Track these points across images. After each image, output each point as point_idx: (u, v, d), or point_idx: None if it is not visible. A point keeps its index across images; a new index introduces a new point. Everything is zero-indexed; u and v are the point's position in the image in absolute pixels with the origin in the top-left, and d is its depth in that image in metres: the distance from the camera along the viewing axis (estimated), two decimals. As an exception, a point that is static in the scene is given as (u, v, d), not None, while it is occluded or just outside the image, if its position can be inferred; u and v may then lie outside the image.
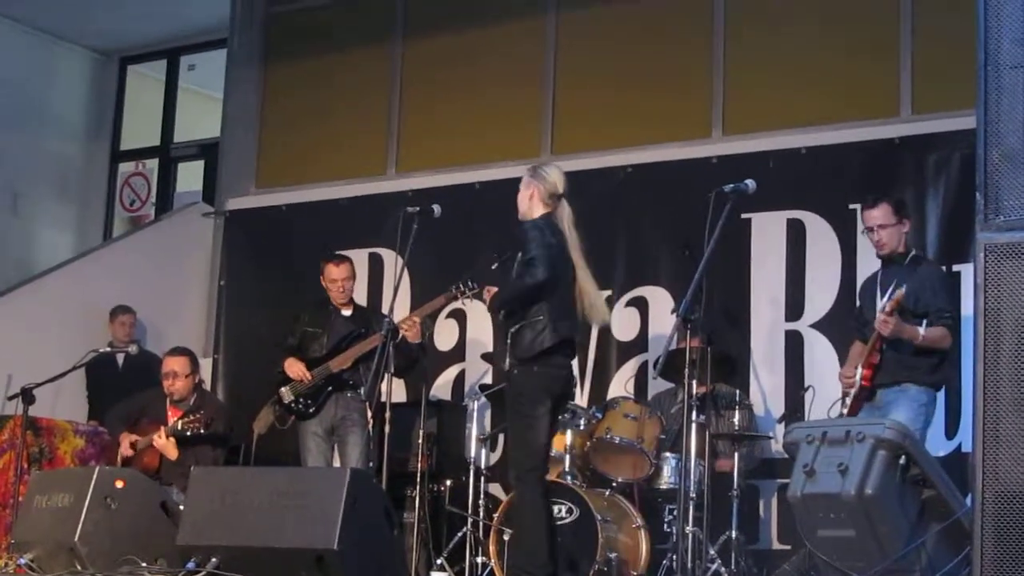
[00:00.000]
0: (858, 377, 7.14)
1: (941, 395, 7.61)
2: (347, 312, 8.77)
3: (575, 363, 7.25)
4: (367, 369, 8.38)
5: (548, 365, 6.75)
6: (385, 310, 8.07)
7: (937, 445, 8.06)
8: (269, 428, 8.73)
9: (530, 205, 6.97)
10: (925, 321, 6.98)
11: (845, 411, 7.19)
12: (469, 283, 8.30)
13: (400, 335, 8.08)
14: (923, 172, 8.82)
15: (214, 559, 5.99)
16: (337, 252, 9.06)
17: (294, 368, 8.55)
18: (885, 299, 7.12)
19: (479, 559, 8.33)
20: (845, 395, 7.25)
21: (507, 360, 6.85)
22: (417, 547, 8.17)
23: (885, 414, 6.94)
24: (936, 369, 7.14)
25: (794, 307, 9.13)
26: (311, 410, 8.51)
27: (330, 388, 8.52)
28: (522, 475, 6.78)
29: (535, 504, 6.71)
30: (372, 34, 11.50)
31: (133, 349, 9.76)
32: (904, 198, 7.62)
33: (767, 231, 9.24)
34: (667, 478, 8.24)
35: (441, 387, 10.17)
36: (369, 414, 8.08)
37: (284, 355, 8.65)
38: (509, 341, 6.84)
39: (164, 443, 8.36)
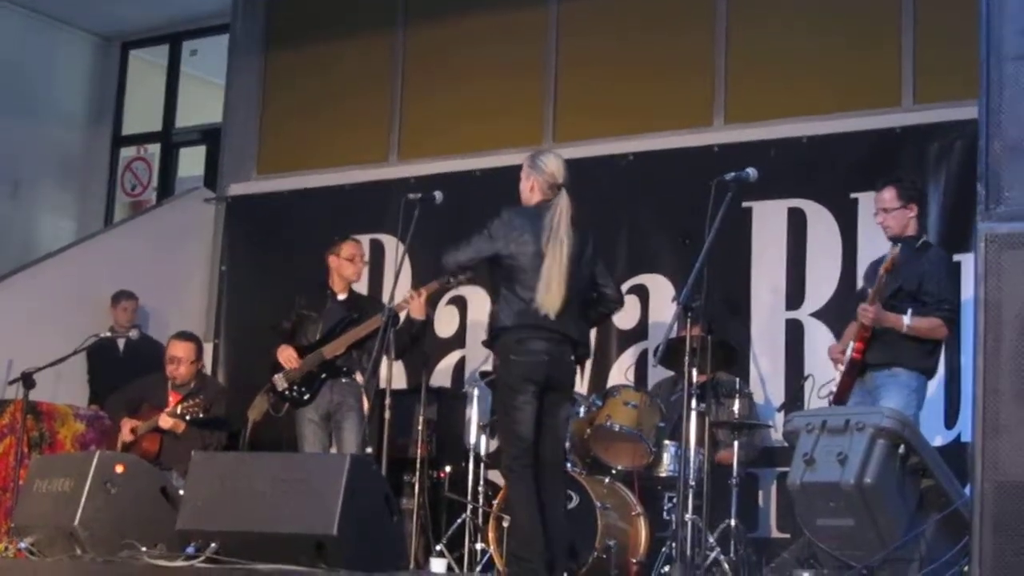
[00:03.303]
0: (849, 351, 7.14)
1: (938, 383, 7.62)
2: (342, 297, 8.73)
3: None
4: (361, 354, 8.38)
5: (525, 353, 6.70)
6: (386, 297, 8.05)
7: (936, 434, 8.07)
8: (264, 416, 8.73)
9: (530, 196, 6.94)
10: (911, 310, 6.98)
11: (834, 387, 7.19)
12: None
13: (400, 322, 8.07)
14: (924, 162, 8.81)
15: (213, 544, 5.97)
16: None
17: (284, 354, 8.52)
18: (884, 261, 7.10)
19: (478, 546, 8.34)
20: (837, 370, 7.26)
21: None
22: (416, 534, 8.16)
23: (876, 399, 6.97)
24: (929, 355, 7.14)
25: (795, 296, 9.14)
26: (306, 397, 8.48)
27: (324, 375, 8.49)
28: (509, 465, 6.76)
29: (525, 493, 6.67)
30: (375, 20, 11.49)
31: (134, 334, 9.76)
32: (915, 183, 7.59)
33: (768, 220, 9.25)
34: (667, 466, 8.24)
35: (441, 373, 10.17)
36: (365, 400, 8.09)
37: (279, 340, 8.63)
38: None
39: (171, 423, 8.38)
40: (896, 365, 7.03)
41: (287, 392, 8.51)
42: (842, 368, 7.17)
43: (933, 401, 7.54)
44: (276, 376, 8.54)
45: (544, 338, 6.71)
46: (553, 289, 6.66)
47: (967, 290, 7.44)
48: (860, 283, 7.99)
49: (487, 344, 6.96)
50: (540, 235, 6.72)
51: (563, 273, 6.69)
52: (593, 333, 9.42)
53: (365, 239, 10.40)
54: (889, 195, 7.26)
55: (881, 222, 7.31)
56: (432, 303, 9.74)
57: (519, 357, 6.69)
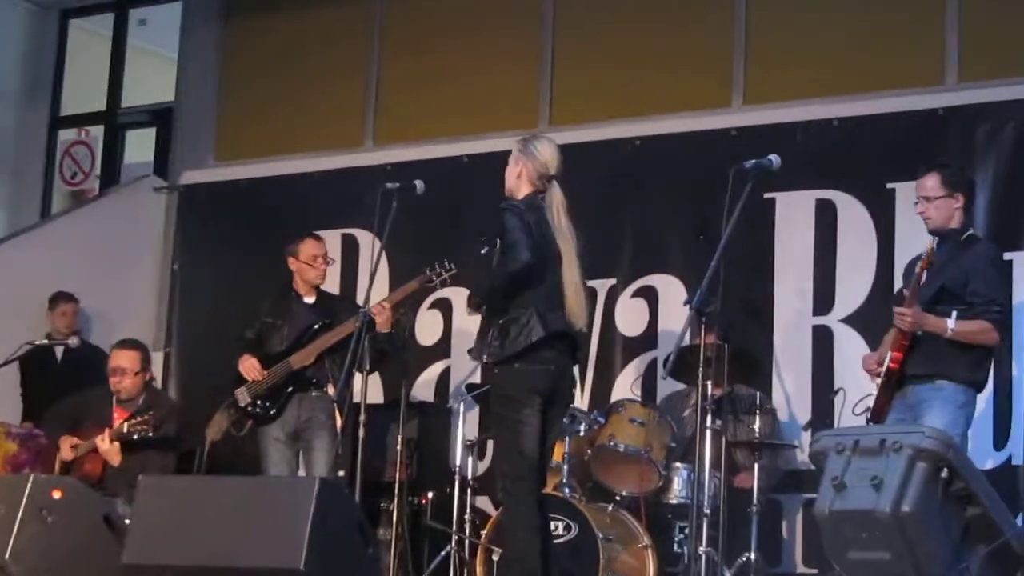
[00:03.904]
0: (887, 361, 7.12)
1: (987, 397, 7.61)
2: (310, 300, 8.74)
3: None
4: (333, 364, 8.38)
5: (531, 361, 6.68)
6: (360, 298, 8.05)
7: (984, 456, 8.08)
8: (224, 434, 8.72)
9: (517, 184, 6.92)
10: (955, 312, 6.97)
11: (871, 403, 7.18)
12: (446, 264, 8.29)
13: (376, 327, 8.08)
14: (970, 147, 8.82)
15: (164, 580, 5.99)
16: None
17: (246, 365, 8.52)
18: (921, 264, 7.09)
19: (464, 582, 8.36)
20: (875, 383, 7.25)
21: (483, 355, 6.81)
22: (395, 567, 8.18)
23: (918, 415, 6.95)
24: (978, 366, 7.11)
25: (823, 299, 9.15)
26: (271, 413, 8.47)
27: (291, 388, 8.48)
28: (509, 487, 6.73)
29: (526, 520, 6.66)
30: (349, -15, 11.51)
31: (74, 342, 9.73)
32: (962, 170, 7.58)
33: (793, 213, 9.26)
34: (678, 491, 8.26)
35: (423, 386, 10.17)
36: (338, 416, 8.08)
37: (241, 351, 8.63)
38: (492, 336, 6.78)
39: (108, 447, 8.35)
40: (941, 377, 7.02)
41: (250, 407, 8.51)
42: (879, 382, 7.16)
43: (981, 419, 7.54)
44: (238, 390, 8.54)
45: (553, 346, 6.71)
46: (579, 295, 6.70)
47: (1019, 293, 7.45)
48: (898, 284, 7.99)
49: (503, 357, 6.82)
50: (546, 234, 6.71)
51: (580, 276, 6.72)
52: (594, 341, 9.52)
53: (336, 234, 10.43)
54: (932, 182, 7.25)
55: (922, 212, 7.29)
56: (414, 306, 9.73)
57: (526, 365, 6.68)
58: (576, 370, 7.22)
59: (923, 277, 7.00)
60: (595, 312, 9.32)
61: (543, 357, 6.71)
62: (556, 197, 6.81)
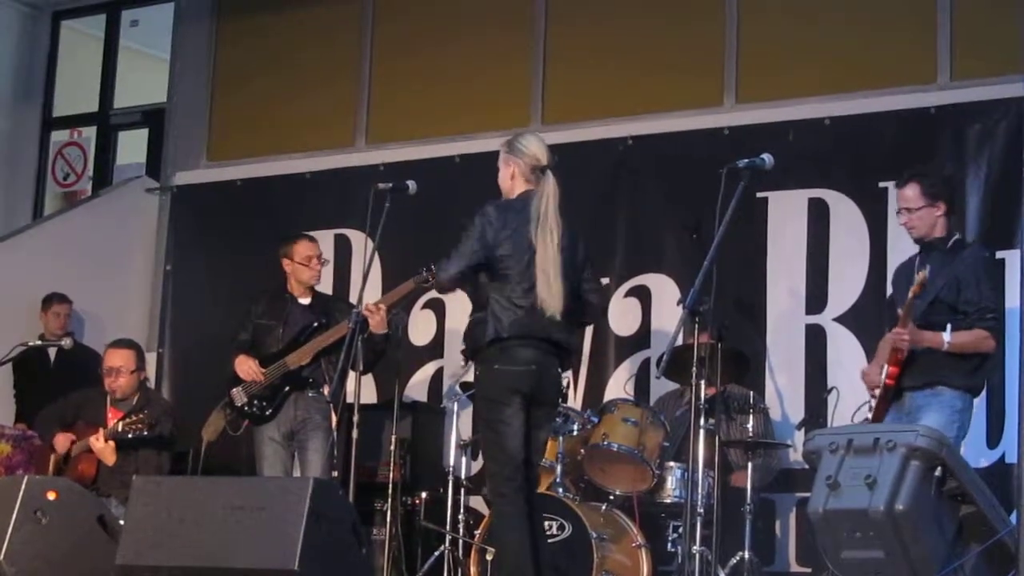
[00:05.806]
0: (883, 376, 7.12)
1: (981, 401, 7.60)
2: (305, 301, 8.72)
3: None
4: (329, 364, 8.37)
5: (509, 362, 6.70)
6: (353, 299, 8.04)
7: (978, 455, 8.08)
8: (220, 434, 8.71)
9: (512, 185, 6.93)
10: (949, 325, 6.96)
11: (870, 416, 7.18)
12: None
13: (369, 328, 8.06)
14: (963, 146, 8.83)
15: (158, 581, 5.99)
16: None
17: (244, 367, 8.50)
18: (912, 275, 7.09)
19: (458, 582, 8.35)
20: (873, 397, 7.24)
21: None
22: (388, 568, 8.16)
23: (914, 419, 6.95)
24: (975, 372, 7.11)
25: (816, 298, 9.14)
26: (267, 413, 8.47)
27: (288, 388, 8.48)
28: (497, 487, 6.76)
29: (515, 519, 6.68)
30: (340, -15, 11.49)
31: (67, 343, 9.71)
32: (942, 177, 7.57)
33: (786, 212, 9.25)
34: (671, 491, 8.25)
35: (416, 386, 10.16)
36: (334, 416, 8.08)
37: (235, 352, 8.61)
38: (464, 334, 6.86)
39: (102, 447, 8.34)
40: (938, 384, 7.02)
41: (247, 407, 8.50)
42: (877, 394, 7.16)
43: (974, 417, 7.53)
44: (235, 390, 8.53)
45: (533, 346, 6.71)
46: (552, 284, 6.66)
47: (1012, 292, 7.44)
48: (889, 286, 7.98)
49: (469, 355, 6.93)
50: (528, 227, 6.70)
51: (557, 265, 6.68)
52: (587, 341, 9.51)
53: (329, 234, 10.42)
54: (912, 192, 7.24)
55: (905, 223, 7.30)
56: (406, 306, 9.73)
57: (504, 366, 6.68)
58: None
59: (916, 302, 6.98)
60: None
61: (521, 357, 6.71)
62: (548, 187, 6.80)
